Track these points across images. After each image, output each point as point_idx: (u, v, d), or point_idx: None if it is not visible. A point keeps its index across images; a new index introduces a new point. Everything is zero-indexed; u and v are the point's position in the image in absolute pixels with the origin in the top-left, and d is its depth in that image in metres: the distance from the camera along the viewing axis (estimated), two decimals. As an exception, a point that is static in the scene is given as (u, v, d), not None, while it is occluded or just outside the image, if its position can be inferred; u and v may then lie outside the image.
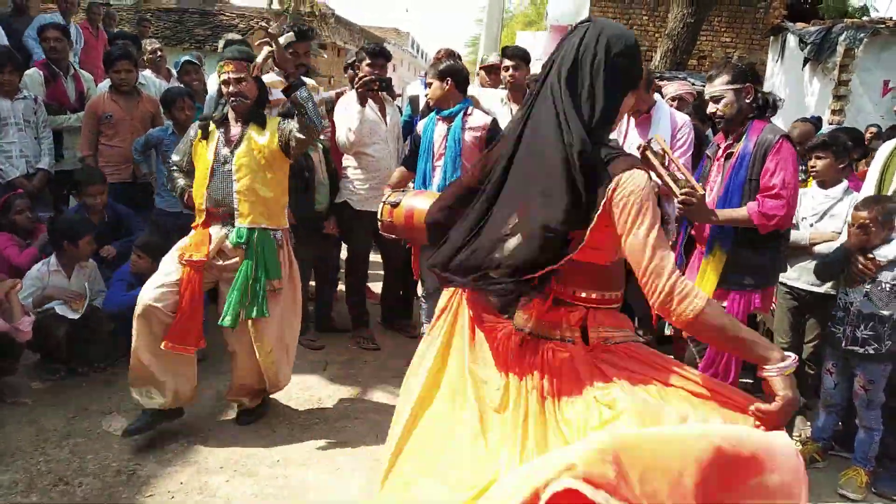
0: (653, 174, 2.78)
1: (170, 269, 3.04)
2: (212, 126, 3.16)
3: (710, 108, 2.95)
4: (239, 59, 3.08)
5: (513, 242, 1.56)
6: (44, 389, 3.56)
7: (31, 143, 4.54)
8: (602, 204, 1.52)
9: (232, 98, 3.06)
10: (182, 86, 5.18)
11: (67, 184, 4.64)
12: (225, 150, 3.10)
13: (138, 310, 2.96)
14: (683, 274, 3.08)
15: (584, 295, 1.69)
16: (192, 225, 3.20)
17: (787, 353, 1.52)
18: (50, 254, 3.89)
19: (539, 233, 1.51)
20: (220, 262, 3.14)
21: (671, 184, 2.83)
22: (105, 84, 4.91)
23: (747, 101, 2.88)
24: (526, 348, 1.72)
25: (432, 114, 3.94)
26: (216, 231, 3.12)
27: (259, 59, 3.17)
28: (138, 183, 4.71)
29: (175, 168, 3.36)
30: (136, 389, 3.05)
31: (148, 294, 2.98)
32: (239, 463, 2.98)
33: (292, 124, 3.05)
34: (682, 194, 2.79)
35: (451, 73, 3.76)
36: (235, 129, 3.13)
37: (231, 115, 3.14)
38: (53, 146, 4.69)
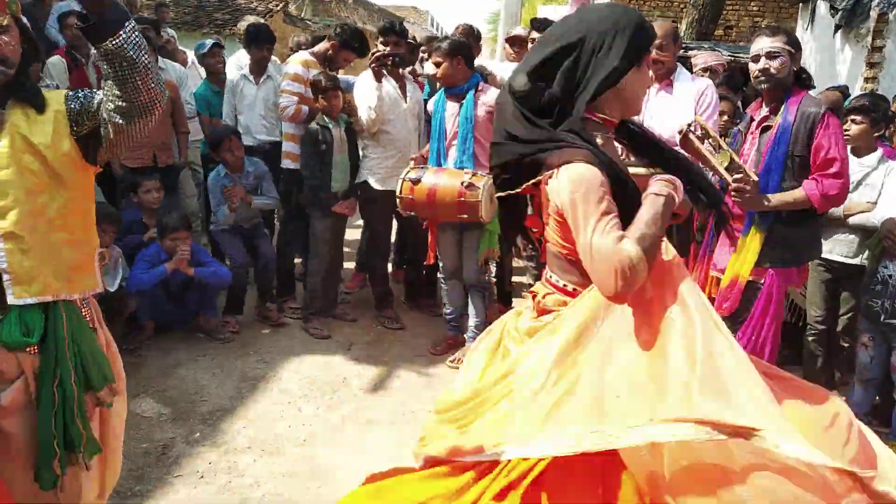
0: (700, 161, 2.68)
1: None
2: None
3: (761, 63, 2.72)
4: None
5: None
6: (74, 372, 3.61)
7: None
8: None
9: None
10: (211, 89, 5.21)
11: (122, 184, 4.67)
12: None
13: None
14: (713, 252, 3.01)
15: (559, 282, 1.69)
16: None
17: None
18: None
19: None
20: None
21: (721, 171, 2.69)
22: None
23: (794, 68, 2.75)
24: None
25: (441, 93, 3.89)
26: None
27: None
28: (160, 167, 4.73)
29: None
30: None
31: None
32: (266, 443, 3.00)
33: (99, 94, 1.68)
34: (734, 181, 2.65)
35: (460, 49, 3.69)
36: None
37: None
38: None
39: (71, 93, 1.73)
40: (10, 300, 1.63)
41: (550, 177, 1.51)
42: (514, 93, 1.58)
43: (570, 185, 1.45)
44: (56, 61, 4.81)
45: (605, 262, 1.39)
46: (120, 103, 1.60)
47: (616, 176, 1.50)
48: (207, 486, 2.68)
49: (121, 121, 1.63)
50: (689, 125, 2.74)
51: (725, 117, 3.82)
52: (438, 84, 3.91)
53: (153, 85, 1.58)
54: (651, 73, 3.59)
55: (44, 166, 1.66)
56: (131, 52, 1.51)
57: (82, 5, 1.46)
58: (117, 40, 1.49)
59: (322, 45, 4.51)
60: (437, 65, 3.74)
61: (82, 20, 1.50)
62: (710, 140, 2.77)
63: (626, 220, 1.48)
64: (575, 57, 1.55)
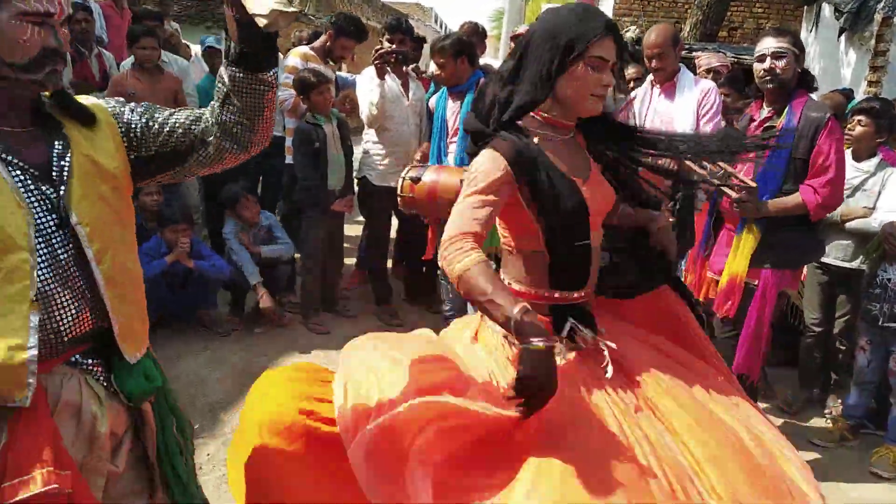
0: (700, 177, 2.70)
1: None
2: None
3: (767, 63, 2.72)
4: None
5: None
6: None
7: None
8: None
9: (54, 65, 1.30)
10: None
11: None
12: (44, 189, 1.30)
13: None
14: (711, 251, 3.02)
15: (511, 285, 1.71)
16: None
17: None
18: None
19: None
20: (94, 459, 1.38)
21: (718, 184, 2.72)
22: (128, 62, 4.93)
23: (798, 70, 2.75)
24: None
25: (442, 90, 3.90)
26: (61, 394, 1.35)
27: None
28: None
29: None
30: None
31: None
32: (264, 436, 3.01)
33: (163, 113, 1.45)
34: (736, 192, 2.66)
35: (464, 48, 3.70)
36: (36, 136, 1.33)
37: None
38: None
39: (115, 103, 1.45)
40: (129, 359, 1.44)
41: None
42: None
43: (471, 164, 1.59)
44: None
45: (448, 230, 1.50)
46: (241, 131, 1.42)
47: (533, 172, 1.54)
48: (206, 478, 2.69)
49: (236, 150, 1.45)
50: None
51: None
52: (445, 84, 3.92)
53: (274, 119, 1.48)
54: (651, 76, 3.61)
55: (116, 192, 1.41)
56: (276, 83, 1.42)
57: (240, 34, 1.31)
58: (272, 72, 1.38)
59: (320, 39, 4.52)
60: (441, 65, 3.75)
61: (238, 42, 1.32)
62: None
63: (547, 215, 1.55)
64: (517, 63, 1.62)
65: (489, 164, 1.54)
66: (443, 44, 3.75)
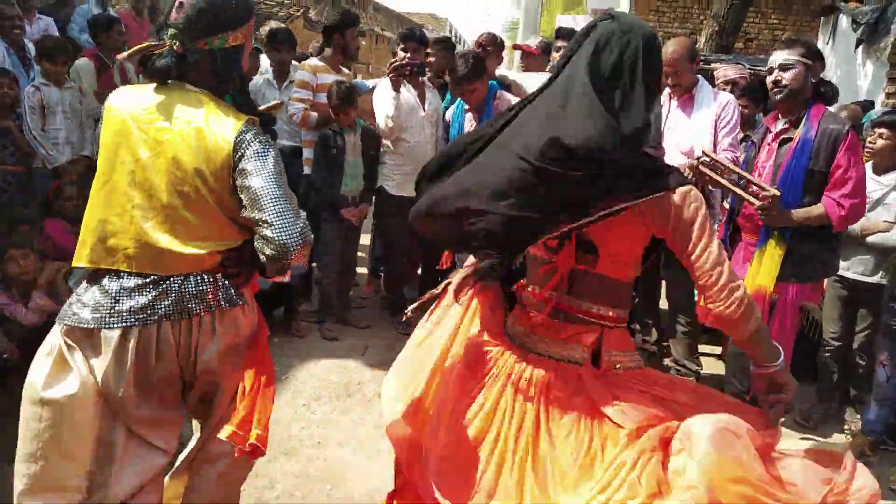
0: (717, 188, 2.70)
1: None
2: None
3: (774, 76, 2.74)
4: None
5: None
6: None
7: (77, 130, 4.71)
8: (646, 210, 1.47)
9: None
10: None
11: None
12: None
13: None
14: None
15: (600, 311, 1.60)
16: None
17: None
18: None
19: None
20: None
21: (742, 193, 2.73)
22: (148, 71, 5.00)
23: (812, 80, 2.74)
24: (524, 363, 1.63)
25: (459, 103, 3.92)
26: None
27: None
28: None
29: None
30: None
31: None
32: (281, 443, 3.03)
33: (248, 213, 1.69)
34: (761, 200, 2.67)
35: (484, 69, 3.74)
36: None
37: None
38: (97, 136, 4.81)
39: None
40: None
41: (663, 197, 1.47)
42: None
43: (699, 203, 1.50)
44: (86, 63, 4.91)
45: (733, 275, 1.49)
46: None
47: None
48: (222, 486, 2.70)
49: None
50: (698, 158, 2.79)
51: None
52: (472, 109, 3.93)
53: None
54: (667, 88, 3.61)
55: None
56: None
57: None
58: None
59: (328, 50, 4.55)
60: (472, 91, 3.78)
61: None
62: (720, 166, 2.80)
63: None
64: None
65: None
66: (464, 72, 3.78)
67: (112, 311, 1.67)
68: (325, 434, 3.14)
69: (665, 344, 4.09)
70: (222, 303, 1.75)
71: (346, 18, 4.51)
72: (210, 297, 1.73)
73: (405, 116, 4.14)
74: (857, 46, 8.55)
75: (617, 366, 1.60)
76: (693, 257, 1.47)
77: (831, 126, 2.67)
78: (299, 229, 1.63)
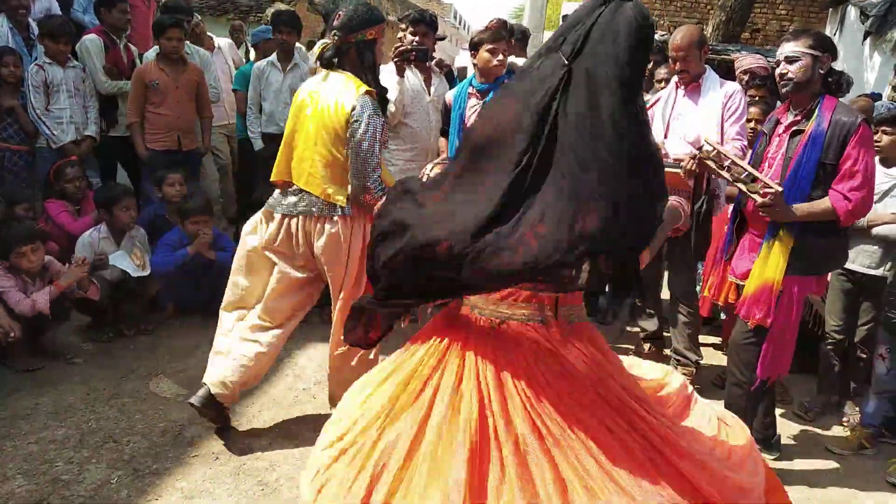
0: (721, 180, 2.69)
1: None
2: None
3: (781, 68, 2.72)
4: None
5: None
6: (94, 350, 3.68)
7: (80, 110, 4.70)
8: None
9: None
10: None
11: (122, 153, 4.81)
12: None
13: None
14: (732, 255, 3.01)
15: None
16: None
17: None
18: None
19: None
20: None
21: (743, 189, 2.71)
22: (152, 52, 4.97)
23: (821, 71, 2.69)
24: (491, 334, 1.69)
25: (464, 84, 3.88)
26: None
27: None
28: (183, 151, 4.78)
29: None
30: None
31: None
32: (282, 427, 3.04)
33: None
34: (761, 195, 2.65)
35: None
36: None
37: None
38: (99, 115, 4.82)
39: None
40: None
41: None
42: None
43: None
44: (94, 39, 4.88)
45: None
46: None
47: None
48: (223, 467, 2.72)
49: None
50: (701, 149, 2.79)
51: (753, 123, 3.76)
52: (489, 73, 3.80)
53: None
54: (675, 77, 3.60)
55: None
56: None
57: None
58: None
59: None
60: (504, 52, 3.73)
61: None
62: (725, 158, 2.79)
63: None
64: None
65: None
66: (502, 32, 3.77)
67: (280, 203, 2.80)
68: (326, 419, 3.14)
69: (666, 333, 4.09)
70: (327, 213, 2.73)
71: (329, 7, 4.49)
72: (326, 208, 2.73)
73: (410, 101, 4.10)
74: (864, 38, 8.49)
75: (571, 318, 1.69)
76: None
77: (844, 118, 2.64)
78: (370, 180, 2.67)
